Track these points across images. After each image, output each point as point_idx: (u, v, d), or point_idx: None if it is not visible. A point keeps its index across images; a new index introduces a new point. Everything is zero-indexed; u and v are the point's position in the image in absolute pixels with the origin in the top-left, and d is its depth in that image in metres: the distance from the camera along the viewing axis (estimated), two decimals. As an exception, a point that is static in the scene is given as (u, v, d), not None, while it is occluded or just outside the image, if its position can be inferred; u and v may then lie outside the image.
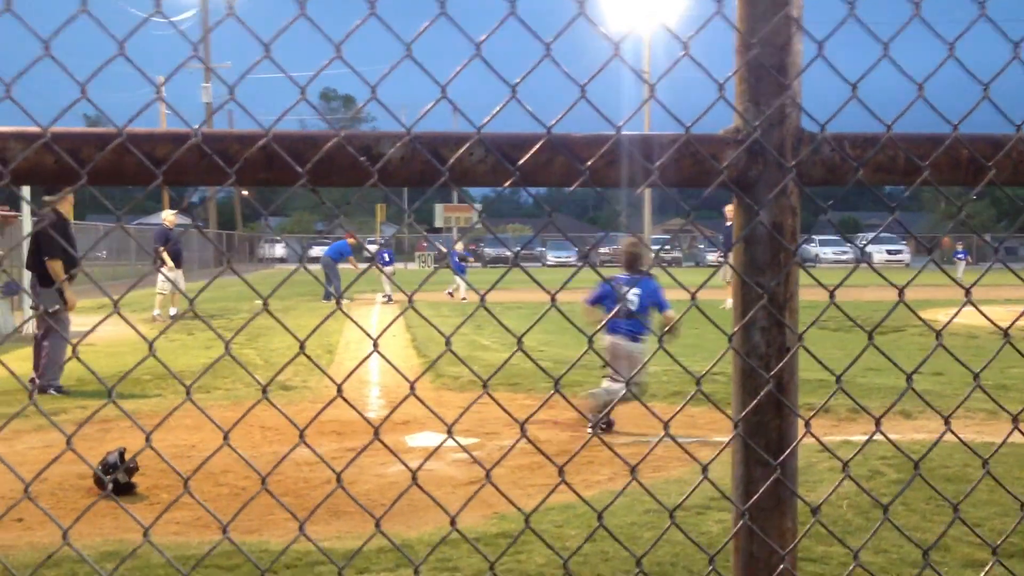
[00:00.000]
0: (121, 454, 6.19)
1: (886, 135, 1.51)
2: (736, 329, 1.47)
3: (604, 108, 1.51)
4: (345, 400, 1.58)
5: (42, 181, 1.42)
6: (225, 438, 1.52)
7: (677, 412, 1.58)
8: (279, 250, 63.95)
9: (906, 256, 53.51)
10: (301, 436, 1.61)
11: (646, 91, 1.46)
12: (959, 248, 39.59)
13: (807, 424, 1.43)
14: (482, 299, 1.46)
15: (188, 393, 1.51)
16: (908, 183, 1.50)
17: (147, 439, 1.47)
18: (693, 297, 1.44)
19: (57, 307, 9.64)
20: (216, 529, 5.51)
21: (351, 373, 1.54)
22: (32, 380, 9.88)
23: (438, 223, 56.35)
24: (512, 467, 6.78)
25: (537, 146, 1.45)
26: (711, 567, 1.43)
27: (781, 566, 1.41)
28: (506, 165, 1.44)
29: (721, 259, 25.18)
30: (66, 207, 10.48)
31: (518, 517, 5.60)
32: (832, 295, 1.53)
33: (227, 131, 1.48)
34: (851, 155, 1.49)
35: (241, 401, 9.53)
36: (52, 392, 9.89)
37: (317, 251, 60.61)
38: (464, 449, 1.65)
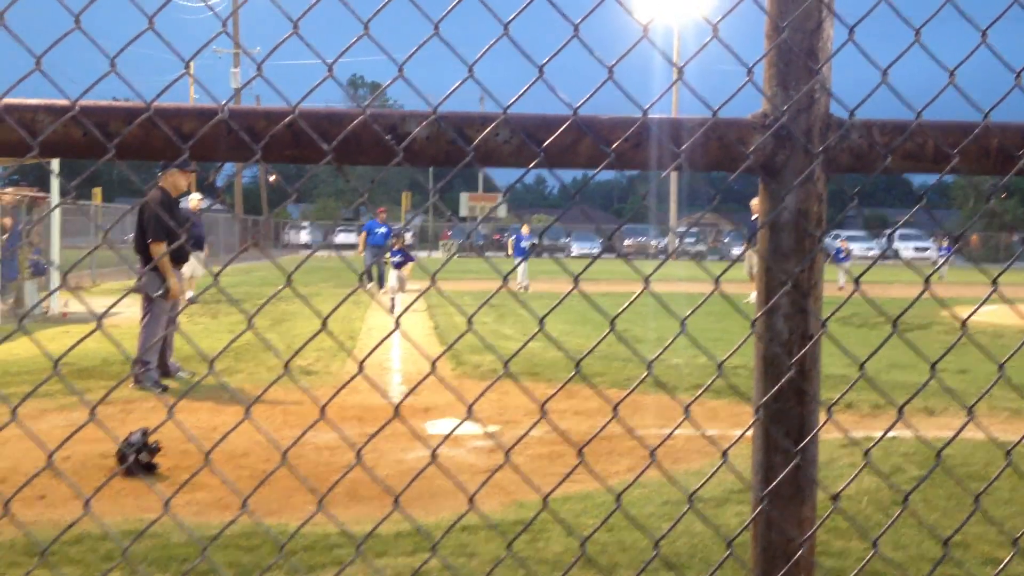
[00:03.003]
0: (144, 434, 6.24)
1: (915, 122, 1.50)
2: (759, 315, 1.46)
3: (632, 92, 1.50)
4: (367, 379, 1.58)
5: (70, 154, 1.43)
6: (247, 412, 1.53)
7: (697, 397, 1.58)
8: (304, 236, 64.19)
9: (933, 253, 52.77)
10: (322, 412, 1.62)
11: (674, 74, 1.46)
12: (944, 244, 38.84)
13: (829, 411, 1.42)
14: (510, 278, 1.46)
15: (212, 366, 1.52)
16: (937, 171, 1.49)
17: (170, 412, 1.48)
18: (717, 282, 1.43)
19: (160, 292, 9.46)
20: (236, 510, 5.55)
21: (375, 348, 1.55)
22: (137, 362, 9.65)
23: (463, 212, 56.37)
24: (531, 456, 6.79)
25: (563, 128, 1.45)
26: (729, 552, 1.43)
27: (799, 553, 1.41)
28: (531, 146, 1.44)
29: (744, 252, 24.95)
30: (170, 183, 9.86)
31: (536, 504, 5.61)
32: (857, 283, 1.52)
33: (254, 107, 1.48)
34: (880, 142, 1.48)
35: (263, 385, 9.58)
36: (149, 387, 9.38)
37: (342, 238, 60.78)
38: (484, 433, 1.65)
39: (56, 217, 17.70)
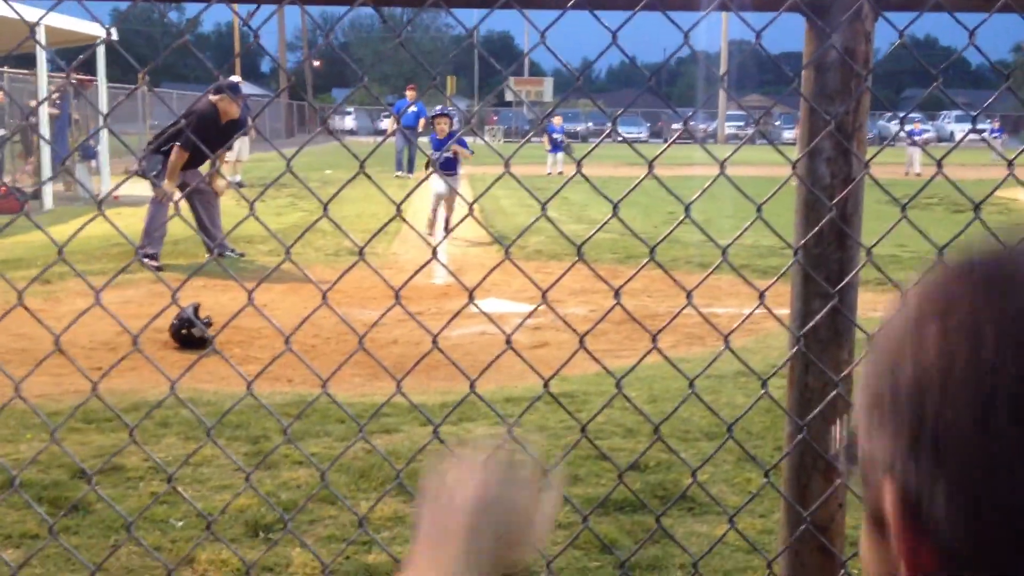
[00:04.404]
0: (195, 308, 6.38)
1: (969, -44, 1.44)
2: (799, 157, 1.44)
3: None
4: (439, 259, 1.59)
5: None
6: (324, 297, 1.55)
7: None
8: (349, 122, 63.95)
9: (994, 135, 50.75)
10: (397, 297, 1.64)
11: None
12: (997, 126, 37.55)
13: (868, 253, 1.41)
14: (579, 167, 1.45)
15: (288, 252, 1.54)
16: (985, 9, 1.43)
17: (248, 291, 1.50)
18: (794, 167, 1.40)
19: (156, 173, 9.67)
20: (284, 382, 5.68)
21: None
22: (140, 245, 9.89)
23: (508, 96, 55.69)
24: (573, 334, 6.85)
25: (603, -35, 1.41)
26: (764, 391, 1.44)
27: (835, 392, 1.42)
28: (571, -16, 1.41)
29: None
30: (222, 106, 10.00)
31: (579, 380, 5.68)
32: (940, 164, 1.48)
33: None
34: (931, -23, 1.43)
35: (310, 265, 9.69)
36: (144, 261, 9.82)
37: (386, 123, 60.38)
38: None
39: (103, 101, 17.77)
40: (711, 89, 57.53)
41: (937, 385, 0.54)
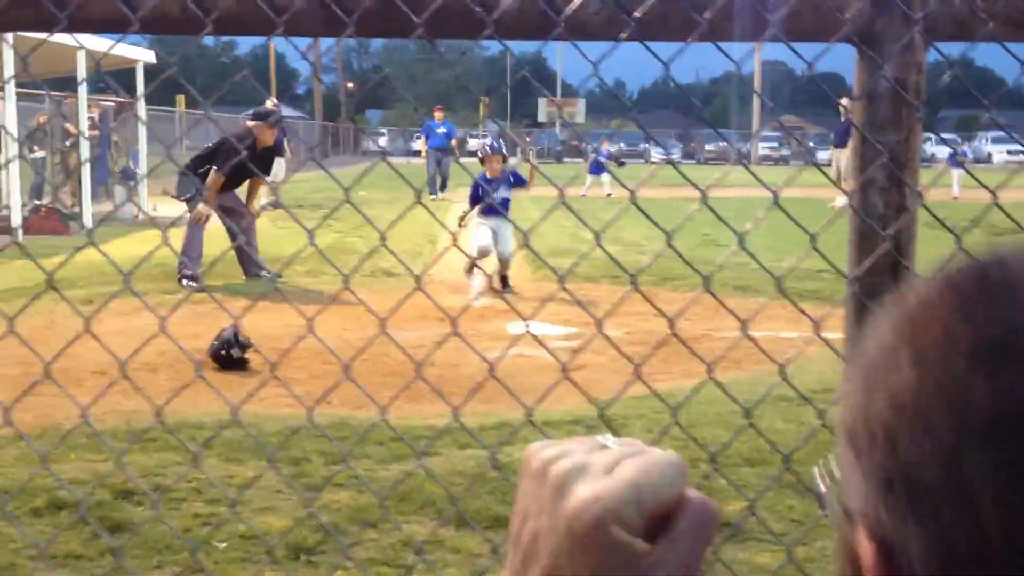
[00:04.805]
0: (235, 331, 6.44)
1: (1021, -14, 1.45)
2: (854, 188, 1.45)
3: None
4: (479, 265, 1.60)
5: (168, 30, 1.46)
6: (383, 325, 1.57)
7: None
8: (383, 143, 64.33)
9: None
10: (454, 325, 1.66)
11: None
12: None
13: (923, 283, 1.40)
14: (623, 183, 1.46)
15: (348, 276, 1.56)
16: (1038, 38, 1.44)
17: (308, 319, 1.52)
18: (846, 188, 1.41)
19: (189, 196, 9.90)
20: (324, 403, 5.71)
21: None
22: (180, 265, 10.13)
23: (541, 118, 55.89)
24: (613, 355, 6.84)
25: (655, -2, 1.43)
26: (820, 422, 1.44)
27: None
28: (622, 16, 1.42)
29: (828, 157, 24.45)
30: (258, 131, 10.28)
31: (621, 404, 5.67)
32: (994, 194, 1.48)
33: (345, -17, 1.49)
34: (981, 7, 1.43)
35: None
36: (184, 282, 10.01)
37: (419, 145, 60.69)
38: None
39: (142, 124, 18.03)
40: (745, 110, 57.37)
41: (908, 418, 0.49)
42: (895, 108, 1.42)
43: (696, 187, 1.44)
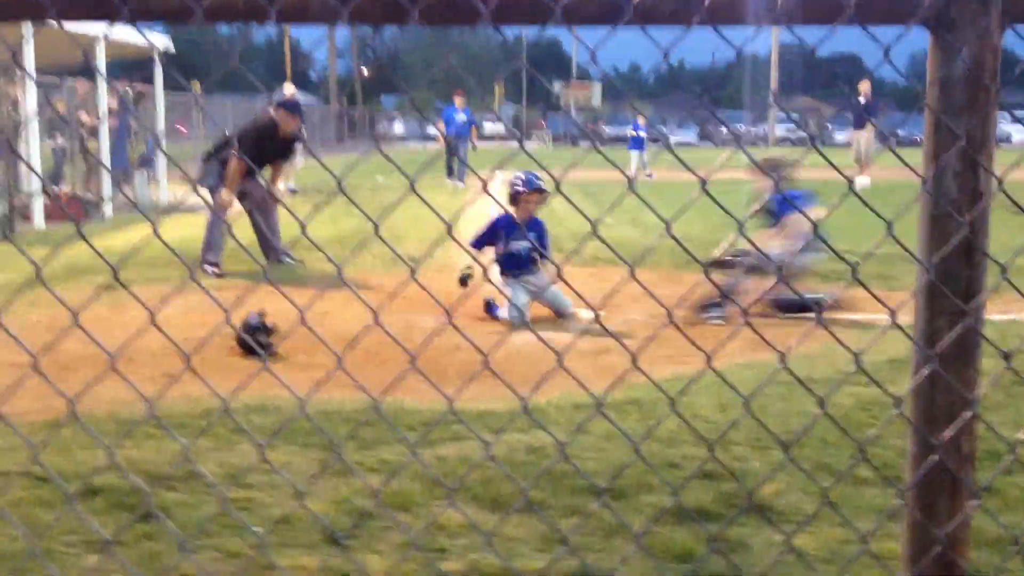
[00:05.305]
0: (261, 315, 6.45)
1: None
2: (929, 175, 1.43)
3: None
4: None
5: (231, 18, 1.45)
6: (448, 315, 1.56)
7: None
8: (398, 127, 64.33)
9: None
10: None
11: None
12: None
13: (1004, 270, 1.39)
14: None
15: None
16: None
17: (374, 311, 1.52)
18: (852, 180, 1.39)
19: (210, 183, 9.95)
20: (352, 389, 5.71)
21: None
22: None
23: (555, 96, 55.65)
24: (638, 339, 6.83)
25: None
26: (898, 411, 1.42)
27: (968, 412, 1.40)
28: (690, 5, 1.41)
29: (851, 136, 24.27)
30: (281, 118, 10.29)
31: (645, 387, 5.65)
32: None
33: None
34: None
35: (368, 271, 9.76)
36: (206, 268, 10.04)
37: (436, 130, 60.59)
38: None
39: (161, 111, 18.04)
40: (761, 93, 57.07)
41: None
42: (971, 92, 1.40)
43: (695, 174, 1.43)
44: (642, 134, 25.05)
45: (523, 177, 7.91)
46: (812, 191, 7.77)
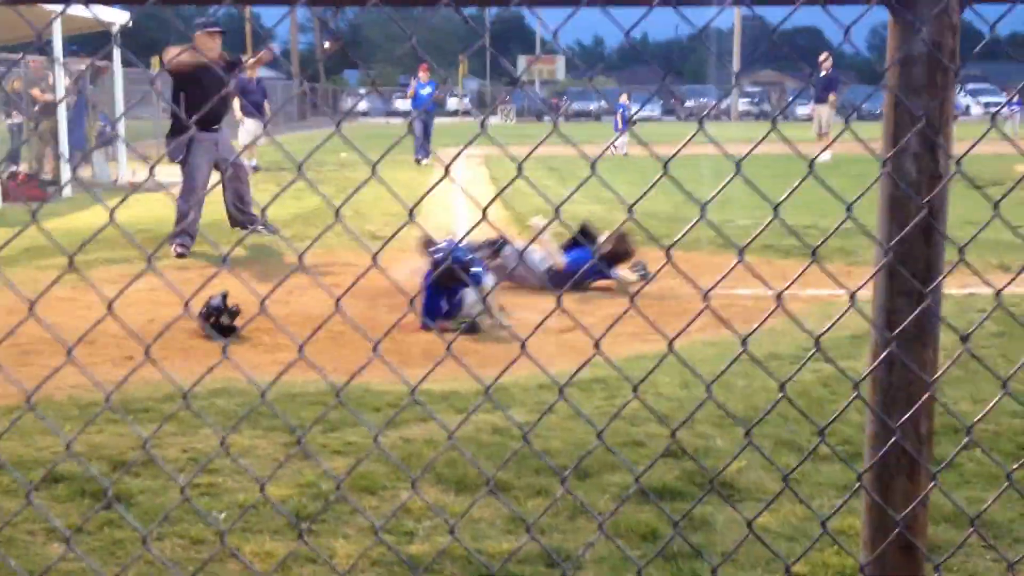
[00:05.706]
0: (224, 297, 6.38)
1: (1060, -53, 1.41)
2: (889, 155, 1.42)
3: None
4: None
5: (195, 0, 1.41)
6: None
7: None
8: (362, 104, 63.75)
9: (1011, 109, 47.01)
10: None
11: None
12: (1016, 99, 36.82)
13: (961, 252, 1.39)
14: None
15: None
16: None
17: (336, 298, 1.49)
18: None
19: (179, 158, 9.72)
20: (313, 370, 5.68)
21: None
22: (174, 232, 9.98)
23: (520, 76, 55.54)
24: (605, 316, 6.84)
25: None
26: (855, 394, 1.42)
27: (925, 395, 1.40)
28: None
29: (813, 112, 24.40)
30: (203, 44, 9.72)
31: (631, 364, 5.66)
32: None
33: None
34: (1019, -32, 1.40)
35: (332, 248, 9.69)
36: (173, 248, 9.75)
37: (400, 104, 60.26)
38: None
39: (119, 87, 17.77)
40: (724, 67, 57.13)
41: None
42: (930, 72, 1.39)
43: (656, 156, 1.41)
44: (625, 113, 25.82)
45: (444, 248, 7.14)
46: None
